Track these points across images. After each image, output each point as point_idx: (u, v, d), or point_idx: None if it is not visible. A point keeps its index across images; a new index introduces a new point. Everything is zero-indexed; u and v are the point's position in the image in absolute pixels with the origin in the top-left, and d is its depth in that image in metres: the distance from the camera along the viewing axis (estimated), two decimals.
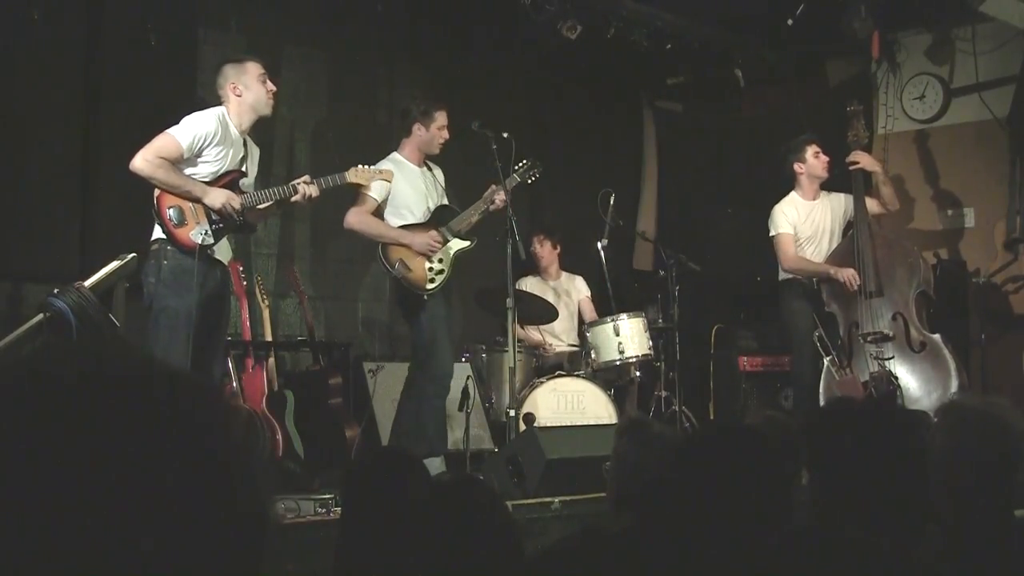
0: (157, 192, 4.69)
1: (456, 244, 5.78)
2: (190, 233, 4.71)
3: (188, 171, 4.75)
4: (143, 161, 4.63)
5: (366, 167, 5.30)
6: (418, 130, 5.80)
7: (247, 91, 4.91)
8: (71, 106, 5.91)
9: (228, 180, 4.84)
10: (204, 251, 4.72)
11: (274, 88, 5.03)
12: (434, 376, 5.64)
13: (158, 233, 4.71)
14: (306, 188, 4.97)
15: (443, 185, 5.99)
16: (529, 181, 6.02)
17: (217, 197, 4.74)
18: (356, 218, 5.67)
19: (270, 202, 5.02)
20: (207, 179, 4.79)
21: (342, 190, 5.68)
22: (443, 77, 7.61)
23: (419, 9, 7.16)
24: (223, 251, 4.91)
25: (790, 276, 6.68)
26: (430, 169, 5.92)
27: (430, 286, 5.66)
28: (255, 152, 5.11)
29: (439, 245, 5.68)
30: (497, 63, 7.71)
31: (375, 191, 5.67)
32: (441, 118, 5.80)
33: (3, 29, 5.59)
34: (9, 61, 5.65)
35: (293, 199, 5.03)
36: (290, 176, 6.80)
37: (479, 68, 7.65)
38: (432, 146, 5.82)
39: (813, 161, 6.64)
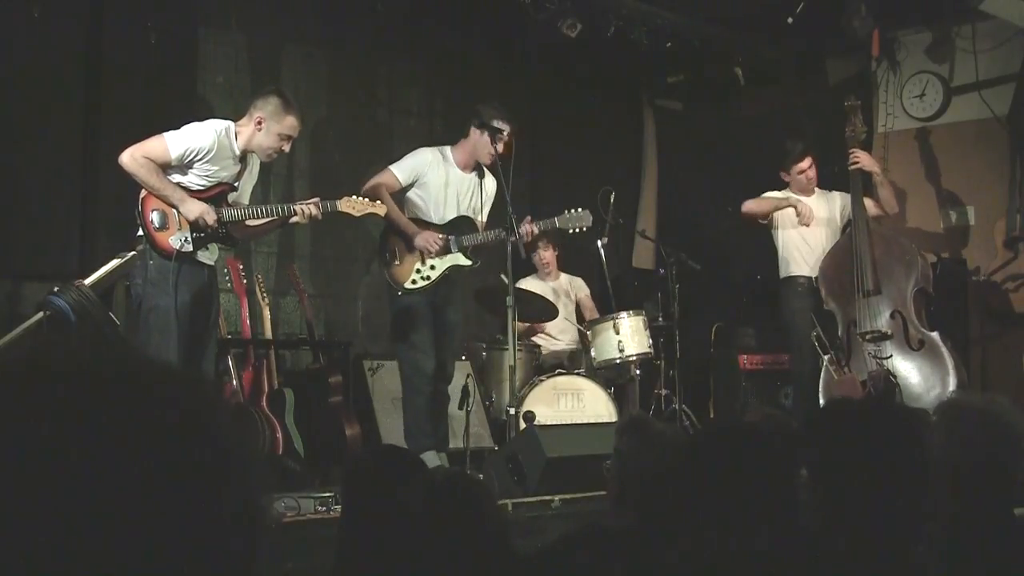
0: (143, 193, 4.68)
1: (456, 259, 5.64)
2: (170, 238, 4.69)
3: (177, 178, 4.73)
4: (130, 158, 4.62)
5: (360, 199, 5.14)
6: (475, 134, 5.66)
7: (264, 134, 4.86)
8: (71, 106, 5.90)
9: (216, 192, 4.80)
10: (183, 255, 4.70)
11: (286, 151, 5.01)
12: (408, 373, 5.57)
13: (140, 232, 4.71)
14: (309, 208, 4.89)
15: (490, 198, 5.78)
16: (571, 231, 5.86)
17: (193, 209, 4.69)
18: (372, 192, 5.47)
19: (261, 220, 4.97)
20: (196, 189, 4.75)
21: (347, 179, 5.68)
22: (443, 77, 7.61)
23: (419, 9, 7.16)
24: (207, 255, 4.87)
25: (790, 275, 6.69)
26: (481, 178, 5.74)
27: (409, 286, 5.56)
28: (255, 167, 5.05)
29: (437, 248, 5.55)
30: (497, 62, 7.71)
31: (401, 171, 5.60)
32: (503, 132, 5.60)
33: (3, 28, 5.59)
34: (9, 60, 5.65)
35: (293, 219, 4.97)
36: (290, 176, 6.83)
37: (479, 67, 7.65)
38: (482, 154, 5.66)
39: (797, 177, 6.68)
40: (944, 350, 6.28)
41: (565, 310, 7.16)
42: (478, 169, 5.75)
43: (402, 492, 2.11)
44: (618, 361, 6.47)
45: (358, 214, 5.13)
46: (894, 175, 7.60)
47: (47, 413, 0.73)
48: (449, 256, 5.63)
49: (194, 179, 4.76)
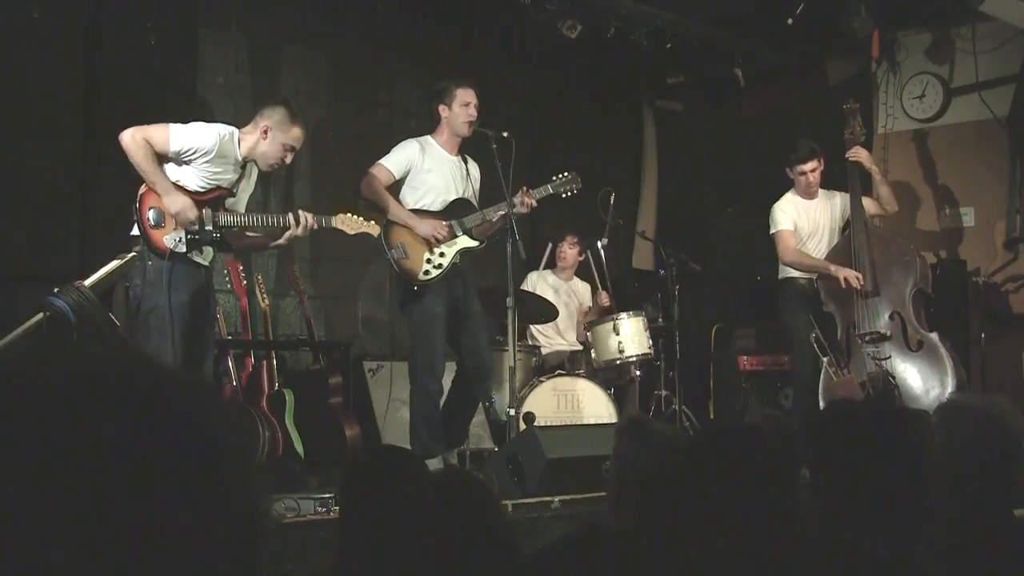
0: (142, 190, 4.67)
1: (464, 242, 5.62)
2: (164, 237, 4.68)
3: (175, 173, 4.72)
4: (130, 137, 4.60)
5: (355, 217, 5.11)
6: (442, 111, 5.66)
7: (270, 142, 4.86)
8: (71, 105, 5.91)
9: (214, 196, 4.78)
10: (177, 254, 4.69)
11: (287, 162, 5.01)
12: (422, 376, 5.52)
13: (135, 231, 4.69)
14: (306, 218, 4.89)
15: (476, 183, 5.79)
16: (564, 195, 5.88)
17: (176, 201, 4.66)
18: (368, 188, 5.51)
19: (258, 231, 4.96)
20: (194, 190, 4.74)
21: (347, 180, 5.66)
22: (443, 77, 7.60)
23: (419, 9, 7.16)
24: (201, 255, 4.85)
25: (788, 276, 6.68)
26: (465, 162, 5.73)
27: (423, 277, 5.50)
28: (253, 177, 5.04)
29: (444, 234, 5.52)
30: (497, 63, 7.71)
31: (393, 164, 5.56)
32: (463, 95, 5.62)
33: (3, 28, 5.59)
34: (9, 60, 5.65)
35: (289, 232, 4.92)
36: (290, 177, 6.83)
37: (479, 68, 7.65)
38: (459, 126, 5.61)
39: (798, 177, 6.64)
40: (943, 350, 6.28)
41: (567, 310, 7.16)
42: (460, 155, 5.72)
43: (402, 493, 2.11)
44: (618, 362, 6.47)
45: (352, 232, 5.10)
46: (894, 176, 7.60)
47: (46, 417, 0.73)
48: (456, 240, 5.60)
49: (194, 179, 4.75)
